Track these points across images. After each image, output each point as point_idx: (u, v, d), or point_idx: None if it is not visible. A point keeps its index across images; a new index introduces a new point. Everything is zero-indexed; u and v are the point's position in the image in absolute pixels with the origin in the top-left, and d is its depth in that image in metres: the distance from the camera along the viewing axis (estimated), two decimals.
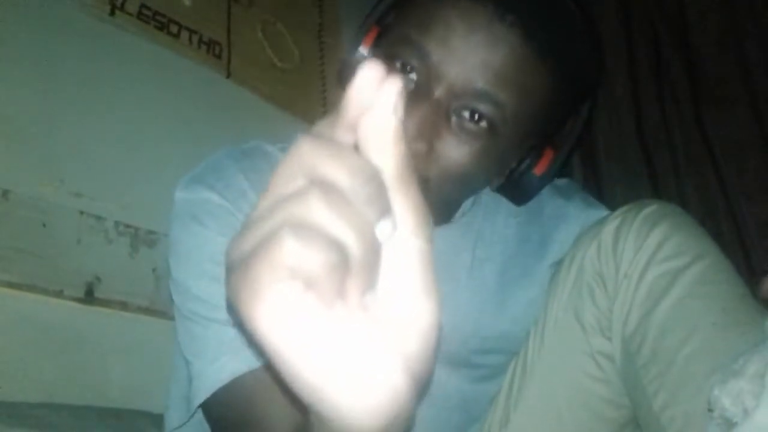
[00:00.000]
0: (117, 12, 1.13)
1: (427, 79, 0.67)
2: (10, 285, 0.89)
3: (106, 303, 0.98)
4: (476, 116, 0.68)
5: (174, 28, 1.22)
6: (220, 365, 0.66)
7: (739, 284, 0.73)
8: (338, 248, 0.29)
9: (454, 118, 0.68)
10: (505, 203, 0.90)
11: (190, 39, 1.25)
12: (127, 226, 1.04)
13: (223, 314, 0.68)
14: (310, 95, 1.52)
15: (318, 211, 0.28)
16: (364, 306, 0.31)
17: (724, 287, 0.71)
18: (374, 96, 0.31)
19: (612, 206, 0.85)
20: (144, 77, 1.16)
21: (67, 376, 0.93)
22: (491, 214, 0.89)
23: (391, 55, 0.70)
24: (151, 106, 1.16)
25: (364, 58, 0.78)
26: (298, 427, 0.60)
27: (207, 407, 0.70)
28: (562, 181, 1.01)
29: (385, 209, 0.31)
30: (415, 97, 0.67)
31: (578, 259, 0.81)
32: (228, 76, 1.31)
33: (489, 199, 0.89)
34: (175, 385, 0.80)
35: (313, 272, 0.28)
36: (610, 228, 0.78)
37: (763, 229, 1.23)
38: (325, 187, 0.29)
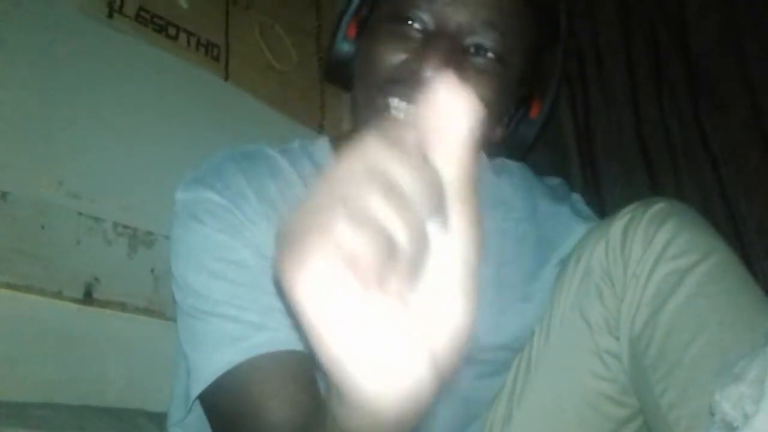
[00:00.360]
0: (115, 14, 1.13)
1: (438, 23, 0.75)
2: (9, 286, 0.89)
3: (104, 304, 0.98)
4: (485, 51, 0.76)
5: (172, 31, 1.23)
6: (219, 357, 0.67)
7: (747, 281, 0.72)
8: (387, 239, 0.30)
9: (469, 57, 0.76)
10: (506, 199, 0.91)
11: (188, 41, 1.25)
12: (126, 227, 1.04)
13: (222, 309, 0.69)
14: (307, 97, 1.52)
15: (375, 201, 0.30)
16: (402, 298, 0.32)
17: (732, 285, 0.71)
18: (446, 109, 0.33)
19: (611, 206, 0.86)
20: (142, 79, 1.16)
21: (66, 376, 0.93)
22: (491, 209, 0.90)
23: (396, 16, 0.77)
24: (150, 108, 1.16)
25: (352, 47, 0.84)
26: (299, 414, 0.61)
27: (204, 399, 0.70)
28: (554, 180, 1.02)
29: (440, 214, 0.32)
30: (431, 40, 0.74)
31: (585, 258, 0.81)
32: (226, 78, 1.31)
33: (488, 193, 0.91)
34: (177, 383, 0.80)
35: (360, 255, 0.29)
36: (617, 226, 0.78)
37: (762, 229, 1.23)
38: (386, 182, 0.31)
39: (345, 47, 0.84)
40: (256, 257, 0.71)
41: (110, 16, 1.13)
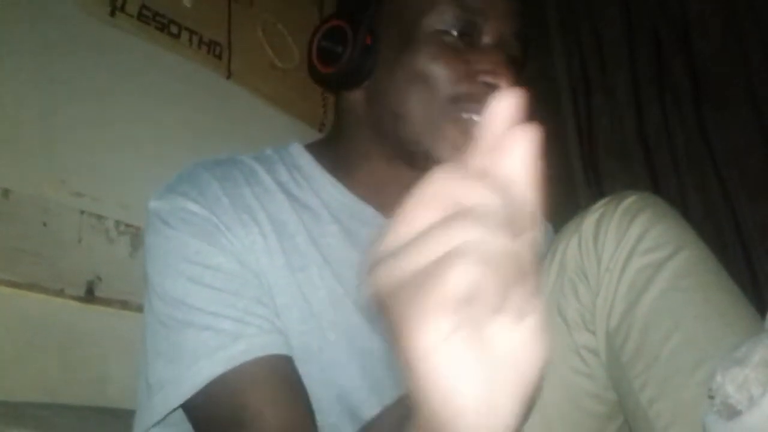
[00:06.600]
0: (117, 13, 1.13)
1: (488, 35, 0.79)
2: (11, 284, 0.89)
3: (106, 302, 0.98)
4: (517, 60, 0.81)
5: (174, 29, 1.23)
6: (197, 369, 0.65)
7: (721, 274, 0.72)
8: (502, 264, 0.30)
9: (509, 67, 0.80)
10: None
11: (190, 40, 1.25)
12: (128, 225, 1.04)
13: (198, 317, 0.67)
14: (309, 95, 1.52)
15: (476, 235, 0.29)
16: (524, 314, 0.32)
17: (706, 278, 0.71)
18: (510, 130, 0.32)
19: None
20: (144, 78, 1.16)
21: (68, 374, 0.93)
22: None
23: (446, 27, 0.78)
24: (152, 106, 1.16)
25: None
26: (297, 415, 0.62)
27: (189, 410, 0.69)
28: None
29: (524, 228, 0.32)
30: (488, 54, 0.78)
31: (559, 254, 0.80)
32: (228, 76, 1.31)
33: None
34: (142, 394, 0.76)
35: (486, 295, 0.29)
36: (590, 221, 0.77)
37: (764, 230, 1.23)
38: (469, 212, 0.30)
39: (363, 57, 0.80)
40: (232, 263, 0.70)
41: (112, 14, 1.13)
